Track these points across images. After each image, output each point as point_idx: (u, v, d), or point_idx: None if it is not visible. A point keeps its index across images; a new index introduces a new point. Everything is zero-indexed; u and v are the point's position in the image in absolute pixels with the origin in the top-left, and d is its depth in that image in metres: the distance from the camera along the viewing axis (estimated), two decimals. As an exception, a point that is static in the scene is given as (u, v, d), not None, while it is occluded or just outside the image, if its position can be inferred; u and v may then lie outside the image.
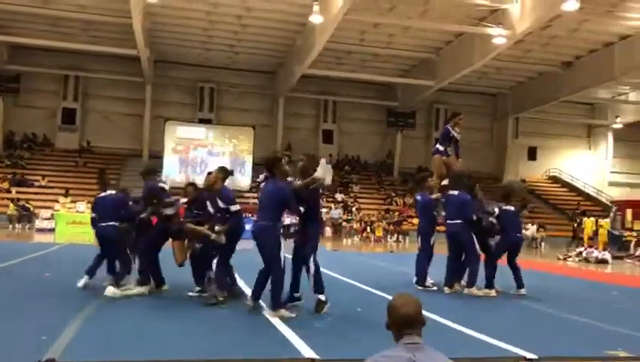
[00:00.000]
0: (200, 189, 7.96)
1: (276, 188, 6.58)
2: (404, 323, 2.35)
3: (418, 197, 9.40)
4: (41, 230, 22.21)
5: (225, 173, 7.38)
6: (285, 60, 29.24)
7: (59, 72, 29.87)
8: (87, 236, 20.17)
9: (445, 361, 2.32)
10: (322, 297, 6.67)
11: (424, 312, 2.53)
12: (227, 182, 7.46)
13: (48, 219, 23.05)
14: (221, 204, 7.12)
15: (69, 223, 22.52)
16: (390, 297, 7.76)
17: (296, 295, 6.98)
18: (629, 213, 27.25)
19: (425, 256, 9.16)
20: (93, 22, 25.37)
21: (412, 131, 34.04)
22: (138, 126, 30.66)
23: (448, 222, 8.92)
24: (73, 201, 24.04)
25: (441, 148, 9.56)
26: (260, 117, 32.33)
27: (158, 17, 24.87)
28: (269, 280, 6.45)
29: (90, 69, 29.93)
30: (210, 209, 7.28)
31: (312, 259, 6.67)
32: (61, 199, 23.86)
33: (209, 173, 7.66)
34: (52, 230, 22.17)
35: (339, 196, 29.43)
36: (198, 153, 30.57)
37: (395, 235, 27.03)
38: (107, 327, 5.56)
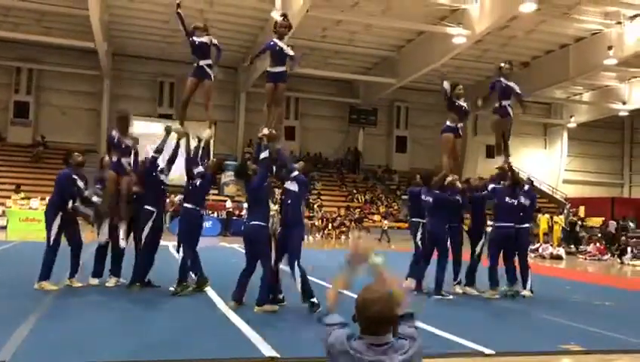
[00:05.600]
0: None
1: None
2: (370, 323, 2.25)
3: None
4: (-9, 227, 21.46)
5: (218, 167, 8.48)
6: (247, 56, 28.82)
7: (10, 64, 28.83)
8: (41, 233, 19.63)
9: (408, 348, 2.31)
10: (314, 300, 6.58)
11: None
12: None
13: (-1, 215, 22.29)
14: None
15: (22, 220, 21.80)
16: (352, 295, 7.74)
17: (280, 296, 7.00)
18: (582, 209, 28.16)
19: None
20: (48, 12, 24.53)
21: (374, 128, 34.30)
22: (95, 121, 29.91)
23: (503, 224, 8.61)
24: (27, 198, 23.28)
25: (452, 124, 8.66)
26: (221, 112, 31.87)
27: (117, 9, 24.26)
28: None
29: (45, 61, 28.98)
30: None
31: (296, 264, 6.62)
32: (12, 195, 23.03)
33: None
34: (4, 227, 21.44)
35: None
36: (157, 149, 30.01)
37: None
38: (60, 328, 5.40)
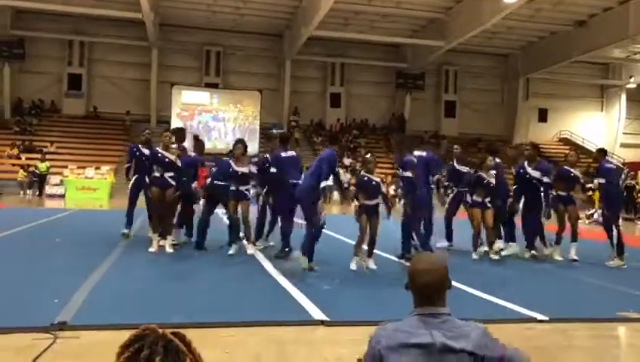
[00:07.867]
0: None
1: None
2: (422, 292, 2.19)
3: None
4: (51, 196, 22.35)
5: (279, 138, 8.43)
6: (292, 22, 28.76)
7: (63, 37, 29.57)
8: (97, 202, 20.35)
9: (469, 332, 2.08)
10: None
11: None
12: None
13: (58, 185, 23.15)
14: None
15: (79, 189, 22.63)
16: (396, 259, 7.72)
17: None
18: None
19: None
20: (97, -15, 24.97)
21: (421, 93, 33.68)
22: (145, 91, 30.48)
23: None
24: (82, 167, 24.09)
25: (478, 198, 8.79)
26: (266, 80, 32.01)
27: (162, -21, 24.41)
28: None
29: (95, 33, 29.60)
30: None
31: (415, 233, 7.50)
32: (38, 163, 23.50)
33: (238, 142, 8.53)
34: (62, 196, 22.31)
35: (347, 160, 29.33)
36: (203, 118, 30.50)
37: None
38: (118, 290, 5.59)
